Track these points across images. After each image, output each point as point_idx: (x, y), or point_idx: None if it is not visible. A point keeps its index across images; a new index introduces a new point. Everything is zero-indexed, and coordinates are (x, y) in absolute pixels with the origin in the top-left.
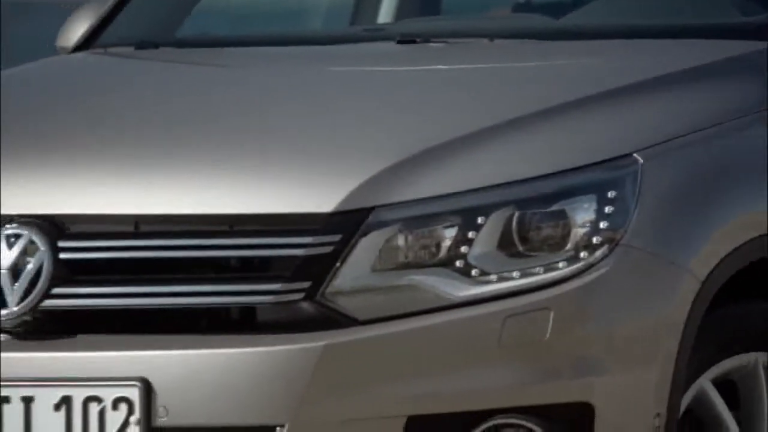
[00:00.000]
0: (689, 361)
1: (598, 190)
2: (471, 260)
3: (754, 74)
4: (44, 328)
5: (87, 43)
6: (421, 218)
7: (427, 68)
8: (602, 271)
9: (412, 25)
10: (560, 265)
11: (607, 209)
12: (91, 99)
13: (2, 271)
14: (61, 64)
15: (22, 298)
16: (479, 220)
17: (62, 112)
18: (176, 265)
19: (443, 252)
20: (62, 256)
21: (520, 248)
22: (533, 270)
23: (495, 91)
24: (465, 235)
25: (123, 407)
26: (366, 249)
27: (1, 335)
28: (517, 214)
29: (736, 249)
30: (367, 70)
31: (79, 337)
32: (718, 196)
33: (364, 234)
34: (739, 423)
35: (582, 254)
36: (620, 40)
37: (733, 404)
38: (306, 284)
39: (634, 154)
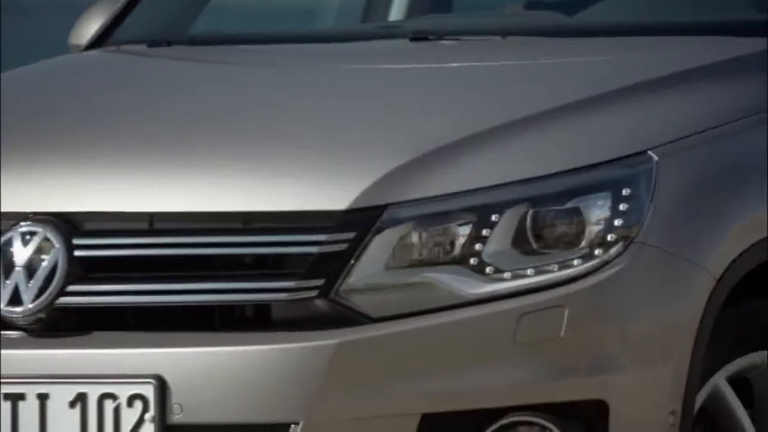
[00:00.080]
0: (704, 359)
1: (612, 187)
2: (485, 258)
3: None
4: (59, 325)
5: (99, 41)
6: (436, 216)
7: (440, 65)
8: (617, 268)
9: (425, 22)
10: (575, 262)
11: (622, 207)
12: (104, 97)
13: (17, 268)
14: (75, 62)
15: (37, 296)
16: (493, 217)
17: (76, 109)
18: (191, 262)
19: (457, 249)
20: (77, 253)
21: (535, 246)
22: (548, 267)
23: (509, 89)
24: (479, 232)
25: (138, 404)
26: (380, 246)
27: (13, 332)
28: (531, 211)
29: (752, 246)
30: (381, 68)
31: (94, 334)
32: (733, 194)
33: (378, 231)
34: (753, 420)
35: (597, 252)
36: (634, 38)
37: (747, 402)
38: (320, 282)
39: (649, 152)
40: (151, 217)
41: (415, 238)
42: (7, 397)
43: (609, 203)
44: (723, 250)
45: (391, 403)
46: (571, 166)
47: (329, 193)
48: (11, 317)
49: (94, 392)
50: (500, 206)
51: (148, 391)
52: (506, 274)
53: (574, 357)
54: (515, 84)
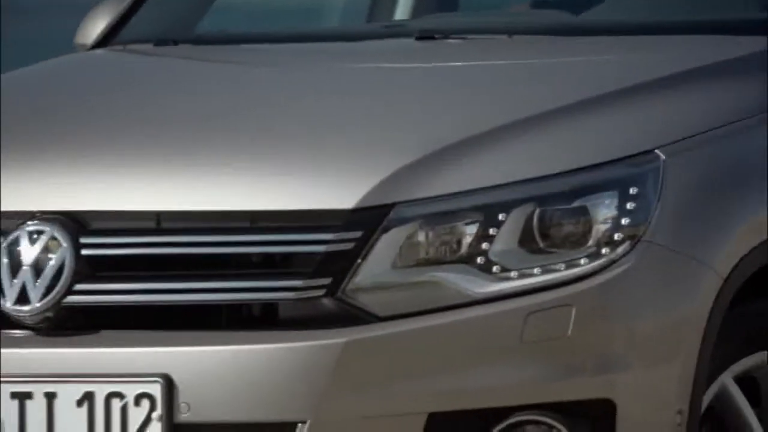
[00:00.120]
0: (711, 358)
1: (619, 186)
2: (492, 257)
3: None
4: (66, 324)
5: (106, 40)
6: (442, 215)
7: (446, 65)
8: (624, 267)
9: (431, 21)
10: (582, 261)
11: (629, 206)
12: (111, 96)
13: (24, 267)
14: (81, 61)
15: (45, 295)
16: (500, 216)
17: (83, 108)
18: (198, 261)
19: (464, 248)
20: (84, 252)
21: (541, 245)
22: (554, 266)
23: (515, 88)
24: (486, 231)
25: (145, 403)
26: (387, 245)
27: (20, 331)
28: (538, 210)
29: (761, 244)
30: (387, 67)
31: (102, 333)
32: (740, 193)
33: (385, 230)
34: (761, 420)
35: (603, 251)
36: (639, 37)
37: (754, 401)
38: (327, 281)
39: (656, 151)
40: (159, 216)
41: (422, 237)
42: (15, 395)
43: (616, 202)
44: (731, 249)
45: (398, 402)
46: (578, 165)
47: (336, 192)
48: (18, 316)
49: (101, 391)
50: (507, 205)
51: (156, 389)
52: (513, 273)
53: (581, 356)
54: (522, 83)
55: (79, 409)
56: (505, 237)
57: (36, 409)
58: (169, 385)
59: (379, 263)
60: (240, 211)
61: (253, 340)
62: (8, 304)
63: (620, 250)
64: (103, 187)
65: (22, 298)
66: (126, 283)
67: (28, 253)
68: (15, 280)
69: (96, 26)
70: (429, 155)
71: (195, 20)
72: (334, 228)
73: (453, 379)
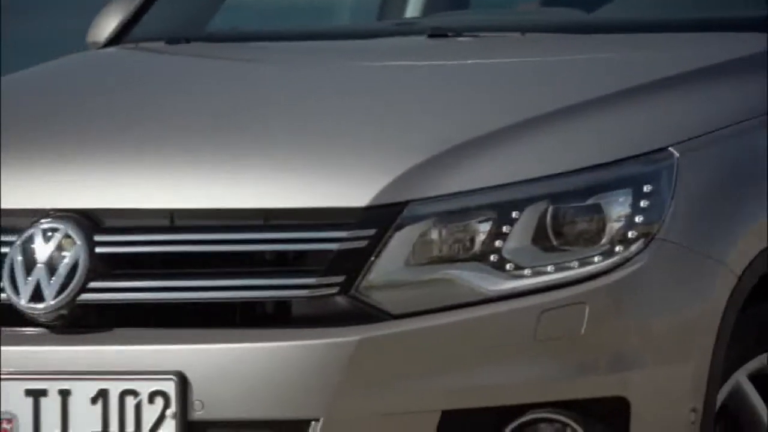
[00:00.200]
0: (725, 356)
1: (633, 184)
2: (505, 254)
3: None
4: (81, 321)
5: (117, 38)
6: (456, 212)
7: (459, 62)
8: (638, 265)
9: (444, 19)
10: (595, 259)
11: (643, 203)
12: (124, 94)
13: (39, 265)
14: (94, 59)
15: (59, 292)
16: (514, 214)
17: (96, 106)
18: (211, 259)
19: (477, 246)
20: (98, 250)
21: (555, 242)
22: (568, 264)
23: (529, 85)
24: (499, 229)
25: (159, 401)
26: (400, 243)
27: (35, 329)
28: (551, 208)
29: None
30: (400, 65)
31: (116, 330)
32: (754, 190)
33: (399, 228)
34: None
35: (617, 248)
36: (652, 34)
37: None
38: (340, 278)
39: (670, 148)
40: (172, 214)
41: (435, 234)
42: (29, 393)
43: (630, 200)
44: (745, 247)
45: (412, 399)
46: (592, 163)
47: (350, 190)
48: (33, 314)
49: (115, 388)
50: (521, 203)
51: (170, 387)
52: (526, 271)
53: (595, 354)
54: (535, 81)
55: (94, 407)
56: (519, 235)
57: (51, 406)
58: (183, 383)
59: (392, 261)
60: (253, 209)
61: (266, 337)
62: (23, 302)
63: (634, 248)
64: (117, 185)
65: (37, 295)
66: (140, 280)
67: (43, 251)
68: (29, 278)
69: (108, 24)
70: (442, 153)
71: (206, 18)
72: (347, 226)
73: (466, 377)
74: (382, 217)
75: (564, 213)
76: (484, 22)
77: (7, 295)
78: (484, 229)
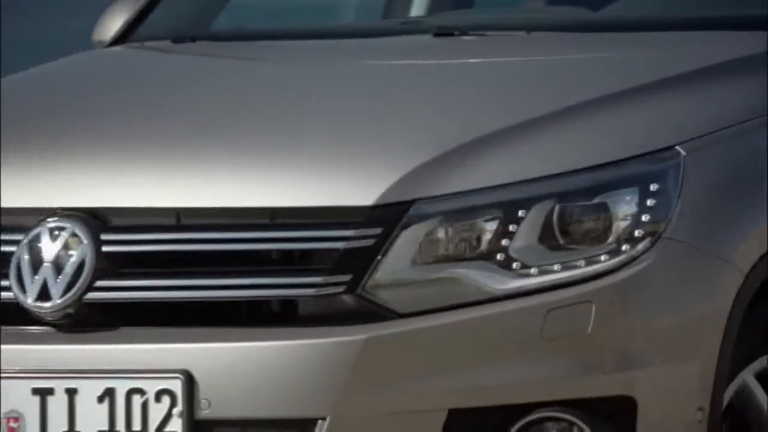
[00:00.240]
0: (732, 355)
1: (640, 182)
2: (512, 253)
3: None
4: (88, 320)
5: (123, 37)
6: (462, 211)
7: (465, 61)
8: (644, 264)
9: (449, 17)
10: (602, 258)
11: (650, 202)
12: (130, 93)
13: (46, 263)
14: (100, 58)
15: (66, 291)
16: (520, 213)
17: (103, 105)
18: (218, 258)
19: (484, 245)
20: (105, 249)
21: (561, 241)
22: (575, 263)
23: (535, 84)
24: (506, 228)
25: (166, 399)
26: (407, 242)
27: (41, 327)
28: (558, 207)
29: None
30: (406, 64)
31: (122, 329)
32: (761, 189)
33: (405, 227)
34: None
35: (624, 247)
36: (658, 33)
37: None
38: (347, 277)
39: (677, 147)
40: (179, 213)
41: (441, 233)
42: (36, 391)
43: (636, 199)
44: (751, 246)
45: (418, 398)
46: (599, 162)
47: (356, 189)
48: (40, 313)
49: (122, 387)
50: (527, 202)
51: (176, 386)
52: (533, 270)
53: (602, 353)
54: (541, 79)
55: (100, 405)
56: (525, 233)
57: (57, 404)
58: (190, 382)
59: (398, 260)
60: (260, 208)
61: (273, 336)
62: (29, 301)
63: (640, 246)
64: (124, 184)
65: (44, 294)
66: (146, 279)
67: (49, 249)
68: (36, 277)
69: (114, 23)
70: (449, 152)
71: (211, 17)
72: (353, 225)
73: (473, 376)
74: (388, 216)
75: (570, 212)
76: (490, 20)
77: (14, 293)
78: (490, 227)
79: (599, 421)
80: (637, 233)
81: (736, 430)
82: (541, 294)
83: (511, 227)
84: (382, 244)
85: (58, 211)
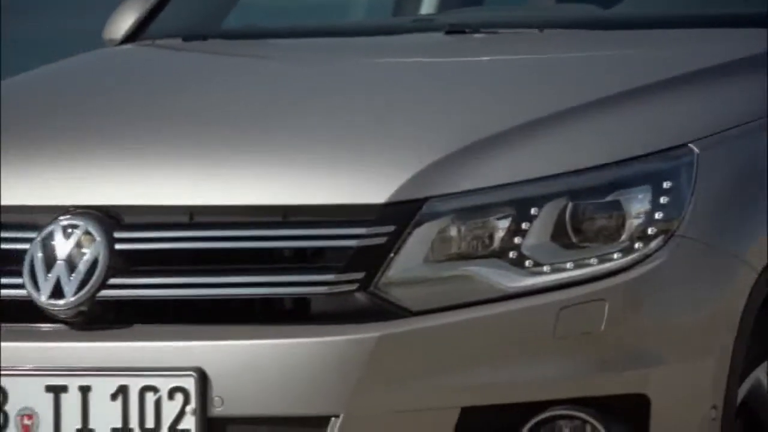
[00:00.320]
0: (745, 353)
1: (653, 180)
2: (524, 251)
3: None
4: (101, 318)
5: (134, 35)
6: (475, 209)
7: (478, 59)
8: (657, 262)
9: (461, 15)
10: (615, 256)
11: (663, 200)
12: (142, 91)
13: (59, 261)
14: (111, 56)
15: (79, 289)
16: (533, 210)
17: (115, 104)
18: (231, 255)
19: (496, 243)
20: (118, 246)
21: (574, 239)
22: (587, 261)
23: (547, 82)
24: (518, 225)
25: (179, 397)
26: (419, 240)
27: (55, 325)
28: (570, 204)
29: None
30: (418, 61)
31: (135, 327)
32: None
33: (418, 225)
34: None
35: (637, 245)
36: (671, 30)
37: None
38: (359, 275)
39: (690, 145)
40: (192, 210)
41: (454, 231)
42: (50, 389)
43: (649, 196)
44: (764, 244)
45: (431, 396)
46: (612, 160)
47: (368, 187)
48: (53, 310)
49: (135, 385)
50: (540, 199)
51: (189, 383)
52: (545, 268)
53: (615, 351)
54: (554, 77)
55: (114, 403)
56: (538, 231)
57: (71, 402)
58: (203, 379)
59: (411, 258)
60: (272, 206)
61: (286, 334)
62: (43, 298)
63: (653, 244)
64: (137, 181)
65: (57, 292)
66: (159, 277)
67: (63, 247)
68: (49, 275)
69: (124, 22)
70: (461, 149)
71: (222, 15)
72: (366, 222)
73: (486, 374)
74: (401, 214)
75: (583, 209)
76: (502, 18)
77: (28, 291)
78: (503, 225)
79: (612, 420)
80: (650, 231)
81: (750, 428)
82: (554, 292)
83: (523, 225)
84: (395, 241)
85: (71, 209)
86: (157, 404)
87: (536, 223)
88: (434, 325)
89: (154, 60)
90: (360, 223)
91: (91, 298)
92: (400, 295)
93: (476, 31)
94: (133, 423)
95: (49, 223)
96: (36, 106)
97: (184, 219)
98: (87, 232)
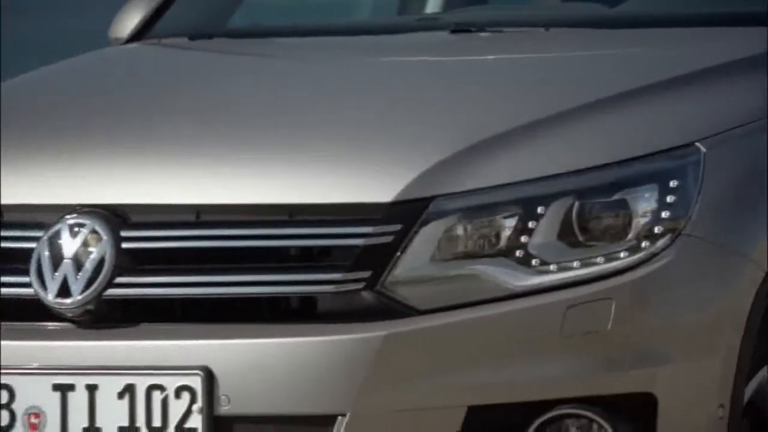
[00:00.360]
0: (752, 352)
1: (659, 179)
2: (531, 250)
3: None
4: (107, 316)
5: (140, 34)
6: (481, 208)
7: (483, 58)
8: (664, 260)
9: (466, 14)
10: (621, 254)
11: (669, 199)
12: (148, 90)
13: (66, 260)
14: (117, 55)
15: (86, 287)
16: (539, 209)
17: (121, 102)
18: (237, 254)
19: (503, 241)
20: (125, 245)
21: (581, 238)
22: (594, 260)
23: (554, 81)
24: (525, 224)
25: (185, 396)
26: (426, 239)
27: (62, 323)
28: (577, 203)
29: None
30: (424, 60)
31: (142, 325)
32: None
33: (424, 224)
34: None
35: (643, 244)
36: (677, 29)
37: None
38: (366, 274)
39: (697, 143)
40: (198, 209)
41: (460, 230)
42: (57, 387)
43: (656, 195)
44: None
45: (438, 395)
46: (618, 158)
47: (375, 186)
48: (60, 309)
49: (142, 383)
50: (546, 198)
51: (196, 382)
52: (552, 267)
53: (622, 350)
54: (560, 76)
55: (120, 401)
56: (544, 230)
57: (78, 400)
58: (209, 378)
59: (418, 256)
60: (279, 205)
61: (292, 333)
62: (50, 297)
63: (660, 243)
64: (143, 180)
65: (64, 290)
66: (166, 276)
67: (69, 246)
68: (56, 273)
69: (130, 20)
70: (467, 148)
71: (228, 14)
72: (373, 221)
73: (492, 373)
74: (407, 213)
75: (590, 208)
76: (508, 17)
77: (35, 289)
78: (509, 224)
79: (619, 419)
80: (656, 230)
81: (757, 427)
82: (561, 291)
83: (530, 224)
84: (401, 240)
85: (78, 207)
86: (164, 403)
87: (543, 221)
88: (441, 324)
89: (161, 59)
90: (366, 222)
91: (98, 297)
92: (407, 294)
93: (482, 29)
94: (140, 422)
95: (56, 222)
96: (41, 105)
97: (191, 218)
98: (94, 231)
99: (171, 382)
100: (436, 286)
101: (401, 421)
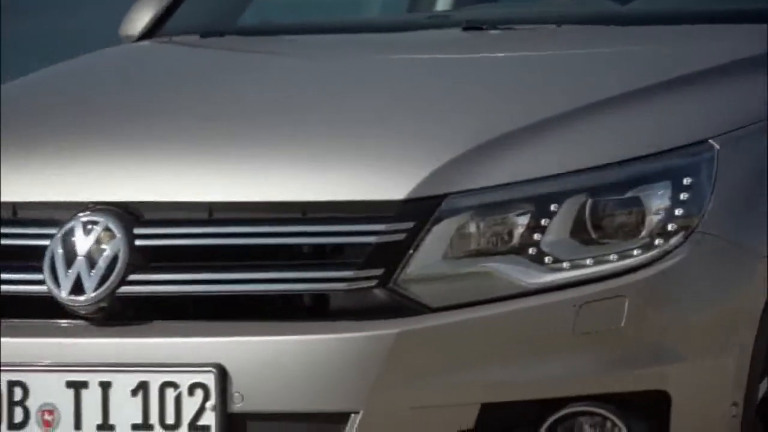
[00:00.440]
0: (766, 350)
1: (673, 176)
2: (544, 247)
3: None
4: (121, 314)
5: (151, 32)
6: (494, 205)
7: (495, 55)
8: (677, 258)
9: (478, 11)
10: (635, 252)
11: (683, 196)
12: (160, 88)
13: (79, 257)
14: (129, 53)
15: (99, 285)
16: (552, 207)
17: (133, 100)
18: (250, 252)
19: (516, 239)
20: (138, 243)
21: (594, 235)
22: (607, 257)
23: (566, 78)
24: (538, 222)
25: (199, 393)
26: (438, 236)
27: (75, 321)
28: (590, 201)
29: None
30: (436, 58)
31: (155, 323)
32: None
33: (437, 221)
34: None
35: (657, 241)
36: (689, 26)
37: None
38: (379, 271)
39: (710, 141)
40: (211, 207)
41: (473, 227)
42: (70, 384)
43: (669, 193)
44: None
45: (451, 392)
46: (631, 156)
47: (387, 183)
48: (74, 306)
49: (155, 381)
50: (559, 196)
51: (209, 379)
52: (565, 264)
53: (635, 347)
54: (572, 73)
55: (134, 399)
56: (557, 228)
57: (91, 398)
58: (223, 375)
59: (430, 254)
60: (292, 202)
61: (305, 330)
62: (63, 294)
63: (674, 240)
64: (156, 178)
65: (77, 288)
66: (179, 273)
67: (83, 243)
68: (70, 271)
69: (141, 18)
70: (480, 146)
71: (239, 12)
72: (385, 219)
73: (505, 370)
74: (420, 210)
75: (603, 206)
76: (519, 14)
77: (48, 287)
78: (522, 222)
79: (632, 416)
80: (670, 227)
81: None
82: (573, 288)
83: (543, 221)
84: (414, 238)
85: (91, 205)
86: (177, 400)
87: (556, 219)
88: (453, 322)
89: (172, 56)
90: (379, 220)
91: (111, 294)
92: (420, 292)
93: (493, 27)
94: (154, 419)
95: (69, 220)
96: (57, 102)
97: (204, 215)
98: (107, 229)
99: (184, 380)
100: (448, 284)
101: (414, 419)
